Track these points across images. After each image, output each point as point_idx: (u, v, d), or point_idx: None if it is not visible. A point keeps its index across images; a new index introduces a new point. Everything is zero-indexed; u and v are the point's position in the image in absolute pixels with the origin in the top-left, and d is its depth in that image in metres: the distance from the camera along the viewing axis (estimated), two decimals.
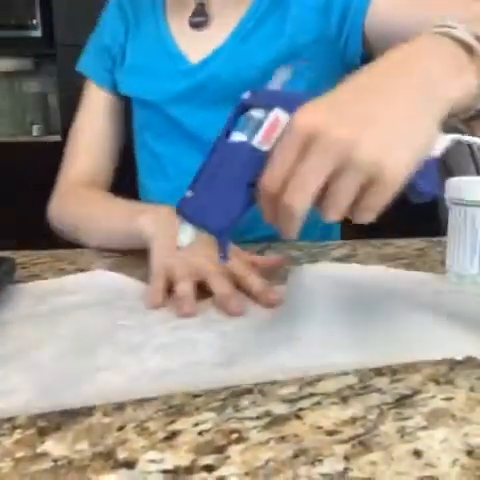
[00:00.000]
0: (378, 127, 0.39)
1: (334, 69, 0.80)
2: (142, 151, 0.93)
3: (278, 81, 0.46)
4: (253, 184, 0.42)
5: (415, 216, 1.29)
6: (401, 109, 0.40)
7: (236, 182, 0.43)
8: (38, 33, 2.77)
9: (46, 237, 0.89)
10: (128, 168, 0.95)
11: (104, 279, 0.64)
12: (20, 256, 0.73)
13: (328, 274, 0.63)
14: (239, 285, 0.58)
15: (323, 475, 0.31)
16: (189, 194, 0.45)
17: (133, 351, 0.45)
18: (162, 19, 0.87)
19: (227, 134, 0.44)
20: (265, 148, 0.42)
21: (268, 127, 0.43)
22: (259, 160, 0.42)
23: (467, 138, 0.45)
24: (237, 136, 0.44)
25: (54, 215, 0.89)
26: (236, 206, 0.44)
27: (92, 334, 0.49)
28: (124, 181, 0.93)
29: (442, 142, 0.43)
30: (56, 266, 0.70)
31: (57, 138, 2.55)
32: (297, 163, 0.39)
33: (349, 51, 0.79)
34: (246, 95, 0.44)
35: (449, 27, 0.44)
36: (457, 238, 0.59)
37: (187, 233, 0.45)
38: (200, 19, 0.84)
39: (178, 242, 0.46)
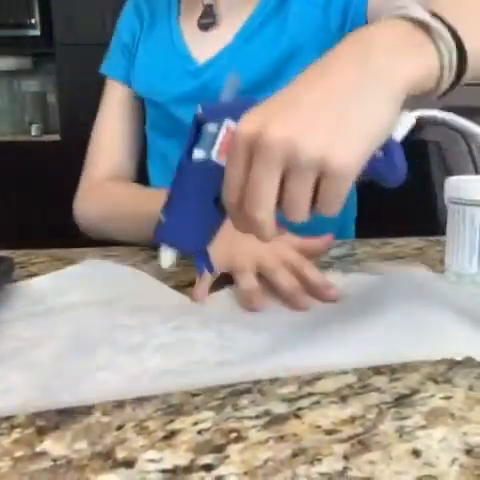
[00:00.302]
0: (317, 120, 0.38)
1: None
2: (152, 152, 0.95)
3: (229, 91, 0.45)
4: (220, 198, 0.43)
5: (414, 215, 1.30)
6: (342, 97, 0.39)
7: (203, 200, 0.44)
8: (37, 32, 2.77)
9: (45, 236, 0.89)
10: (141, 170, 0.96)
11: (100, 271, 0.64)
12: (18, 255, 0.73)
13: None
14: (295, 276, 0.57)
15: (322, 474, 0.31)
16: (162, 218, 0.46)
17: (132, 351, 0.45)
18: (175, 20, 0.89)
19: (189, 152, 0.44)
20: (224, 162, 0.42)
21: (222, 140, 0.43)
22: (220, 175, 0.42)
23: (434, 113, 0.43)
24: (198, 153, 0.44)
25: (79, 212, 0.89)
26: (208, 223, 0.45)
27: (91, 333, 0.49)
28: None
29: (405, 122, 0.41)
30: (54, 265, 0.69)
31: (56, 137, 2.55)
32: (247, 172, 0.39)
33: None
34: (199, 110, 0.44)
35: (405, 8, 0.42)
36: (456, 237, 0.59)
37: (168, 256, 0.46)
38: (208, 20, 0.85)
39: (161, 264, 0.47)
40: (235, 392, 0.39)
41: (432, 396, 0.38)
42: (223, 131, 0.43)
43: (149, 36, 0.91)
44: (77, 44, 2.38)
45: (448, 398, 0.38)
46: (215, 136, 0.43)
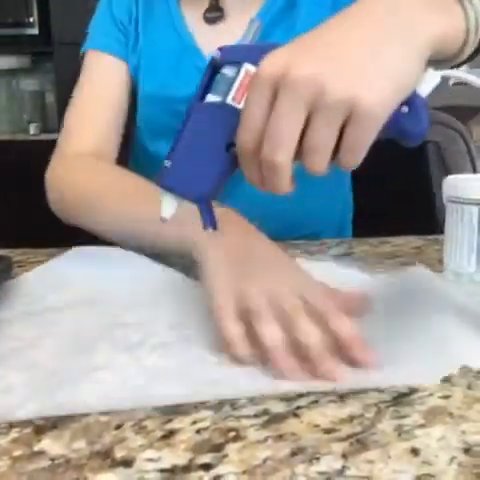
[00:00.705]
0: (346, 59, 0.37)
1: None
2: (138, 152, 0.91)
3: (249, 36, 0.44)
4: (232, 145, 0.41)
5: (412, 214, 1.30)
6: (372, 38, 0.38)
7: (214, 145, 0.42)
8: (35, 31, 2.77)
9: (43, 236, 0.88)
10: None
11: (95, 266, 0.63)
12: (17, 254, 0.73)
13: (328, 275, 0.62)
14: (321, 324, 0.43)
15: (321, 473, 0.31)
16: (167, 164, 0.43)
17: (130, 350, 0.45)
18: (177, 12, 0.86)
19: (201, 97, 0.42)
20: (240, 106, 0.41)
21: (240, 83, 0.41)
22: (235, 119, 0.40)
23: (459, 73, 0.43)
24: (211, 98, 0.42)
25: (52, 185, 0.80)
26: (216, 170, 0.42)
27: (89, 332, 0.49)
28: None
29: (430, 79, 0.41)
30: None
31: (55, 136, 2.53)
32: (268, 113, 0.37)
33: None
34: (216, 54, 0.43)
35: None
36: (454, 236, 0.59)
37: (169, 204, 0.44)
38: (215, 14, 0.83)
39: (161, 213, 0.44)
40: (234, 397, 0.39)
41: (431, 395, 0.38)
42: (242, 74, 0.41)
43: (148, 23, 0.86)
44: (75, 43, 2.36)
45: (447, 397, 0.38)
46: (232, 80, 0.42)
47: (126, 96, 0.87)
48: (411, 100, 0.40)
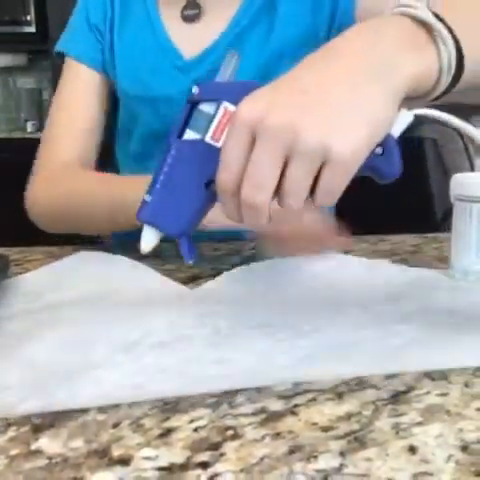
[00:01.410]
0: (320, 107, 0.37)
1: None
2: (123, 155, 0.91)
3: (227, 71, 0.44)
4: (211, 182, 0.41)
5: (410, 212, 1.30)
6: (347, 82, 0.38)
7: (193, 182, 0.43)
8: (32, 29, 2.76)
9: (41, 234, 0.88)
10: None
11: (96, 266, 0.64)
12: (14, 253, 0.73)
13: (329, 270, 0.62)
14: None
15: (318, 471, 0.31)
16: (147, 198, 0.44)
17: (129, 348, 0.45)
18: (154, 11, 0.85)
19: (180, 132, 0.43)
20: (219, 144, 0.41)
21: (219, 122, 0.42)
22: (214, 157, 0.40)
23: (433, 112, 0.43)
24: (190, 134, 0.43)
25: (37, 202, 0.82)
26: (196, 206, 0.43)
27: (88, 330, 0.49)
28: None
29: (403, 119, 0.41)
30: (50, 263, 0.69)
31: None
32: (247, 156, 0.38)
33: None
34: (194, 89, 0.43)
35: (410, 6, 0.42)
36: (462, 234, 0.59)
37: (149, 239, 0.45)
38: (193, 12, 0.82)
39: (141, 246, 0.45)
40: (231, 389, 0.39)
41: (428, 393, 0.38)
42: (220, 113, 0.42)
43: (124, 24, 0.85)
44: None
45: (444, 395, 0.38)
46: (211, 117, 0.42)
47: (102, 104, 0.88)
48: (385, 142, 0.40)
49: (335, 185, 0.39)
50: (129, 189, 0.65)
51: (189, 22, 0.83)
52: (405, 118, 0.41)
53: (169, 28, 0.84)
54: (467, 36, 0.43)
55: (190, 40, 0.82)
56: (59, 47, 0.89)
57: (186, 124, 0.43)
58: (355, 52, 0.40)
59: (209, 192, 0.42)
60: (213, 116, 0.42)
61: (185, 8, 0.83)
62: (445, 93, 0.43)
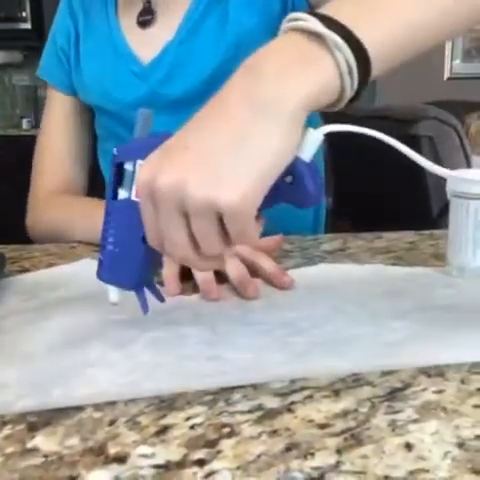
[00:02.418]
0: (202, 162, 0.38)
1: None
2: (106, 157, 0.92)
3: (142, 127, 0.45)
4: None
5: (406, 209, 1.30)
6: (229, 136, 0.38)
7: (132, 238, 0.44)
8: (28, 25, 2.76)
9: None
10: (97, 175, 0.94)
11: (94, 270, 0.64)
12: (10, 250, 0.72)
13: (325, 275, 0.62)
14: (250, 268, 0.57)
15: (315, 469, 0.31)
16: (100, 257, 0.47)
17: (124, 346, 0.45)
18: (114, 20, 0.86)
19: (114, 193, 0.45)
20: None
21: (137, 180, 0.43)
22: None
23: (346, 127, 0.41)
24: (121, 193, 0.45)
25: (35, 229, 0.87)
26: (141, 261, 0.45)
27: (83, 329, 0.49)
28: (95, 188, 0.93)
29: (311, 141, 0.40)
30: (46, 261, 0.69)
31: None
32: (156, 219, 0.40)
33: None
34: (115, 151, 0.45)
35: (298, 19, 0.41)
36: (459, 231, 0.59)
37: (113, 293, 0.47)
38: (146, 17, 0.83)
39: (109, 299, 0.47)
40: (227, 387, 0.39)
41: (424, 390, 0.38)
42: (137, 171, 0.44)
43: (88, 38, 0.87)
44: None
45: (440, 392, 0.38)
46: (132, 175, 0.44)
47: (84, 126, 0.91)
48: (294, 169, 0.40)
49: (239, 230, 0.39)
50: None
51: (144, 28, 0.84)
52: (314, 139, 0.40)
53: (127, 36, 0.85)
54: (373, 24, 0.42)
55: (146, 45, 0.83)
56: (38, 72, 0.93)
57: (118, 184, 0.45)
58: (237, 100, 0.39)
59: (146, 245, 0.44)
60: (133, 173, 0.44)
61: (140, 14, 0.84)
62: (361, 89, 0.42)
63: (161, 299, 0.49)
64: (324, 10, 0.42)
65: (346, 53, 0.40)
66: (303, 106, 0.39)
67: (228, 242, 0.40)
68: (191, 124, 0.41)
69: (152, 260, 0.46)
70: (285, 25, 0.42)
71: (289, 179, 0.40)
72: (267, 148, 0.38)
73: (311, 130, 0.40)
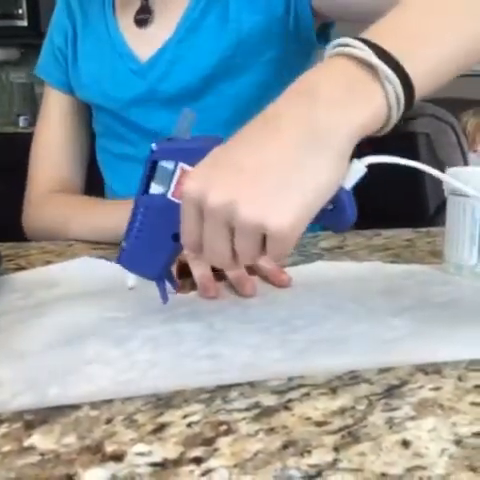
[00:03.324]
0: (256, 186, 0.38)
1: (291, 53, 0.78)
2: (104, 154, 0.92)
3: (183, 126, 0.45)
4: (178, 234, 0.44)
5: (403, 206, 1.30)
6: (283, 160, 0.39)
7: (161, 234, 0.45)
8: (24, 23, 2.75)
9: None
10: (95, 172, 0.94)
11: (92, 267, 0.64)
12: (6, 248, 0.72)
13: (322, 272, 0.62)
14: (248, 266, 0.57)
15: (312, 466, 0.31)
16: (124, 244, 0.47)
17: (121, 343, 0.45)
18: (112, 19, 0.86)
19: (146, 186, 0.45)
20: (179, 201, 0.43)
21: (177, 181, 0.44)
22: (177, 212, 0.42)
23: (385, 159, 0.42)
24: (154, 188, 0.45)
25: (31, 228, 0.87)
26: (166, 255, 0.46)
27: (80, 326, 0.48)
28: (93, 185, 0.93)
29: (354, 171, 0.41)
30: (43, 258, 0.69)
31: None
32: (201, 227, 0.41)
33: (301, 28, 0.77)
34: (154, 146, 0.45)
35: (348, 45, 0.41)
36: (456, 229, 0.59)
37: (131, 278, 0.49)
38: (143, 16, 0.83)
39: (127, 283, 0.49)
40: (225, 384, 0.39)
41: (421, 387, 0.38)
42: (178, 173, 0.44)
43: (86, 37, 0.87)
44: None
45: (437, 389, 0.38)
46: (171, 174, 0.44)
47: (80, 124, 0.91)
48: (336, 197, 0.41)
49: (278, 253, 0.40)
50: (107, 219, 0.71)
51: (141, 26, 0.83)
52: (357, 170, 0.41)
53: (125, 34, 0.85)
54: (416, 55, 0.42)
55: (144, 44, 0.83)
56: (36, 71, 0.93)
57: (150, 178, 0.45)
58: (290, 123, 0.39)
59: (177, 243, 0.44)
60: (173, 172, 0.44)
61: (137, 13, 0.84)
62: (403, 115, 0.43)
63: (166, 299, 0.50)
64: (373, 32, 0.43)
65: (396, 86, 0.40)
66: (354, 138, 0.39)
67: (263, 253, 0.41)
68: (241, 138, 0.41)
69: (174, 255, 0.47)
70: (332, 50, 0.42)
71: (330, 206, 0.41)
72: (318, 181, 0.39)
73: (356, 161, 0.41)
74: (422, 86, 0.42)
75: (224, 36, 0.77)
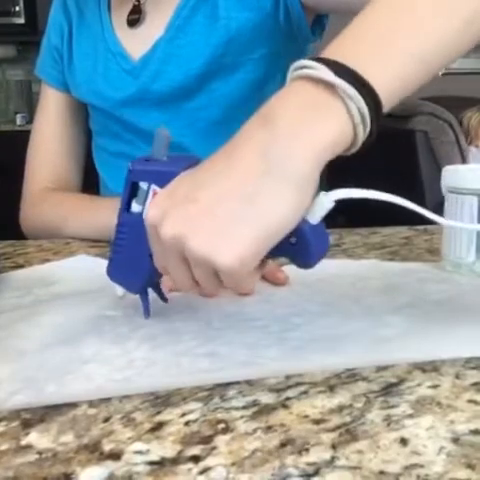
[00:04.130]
0: (207, 219, 0.38)
1: (283, 49, 0.78)
2: (100, 153, 0.92)
3: (159, 148, 0.45)
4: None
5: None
6: (239, 193, 0.37)
7: (139, 251, 0.45)
8: (21, 20, 2.74)
9: None
10: (91, 170, 0.94)
11: (89, 265, 0.64)
12: (4, 246, 0.72)
13: (319, 270, 0.62)
14: None
15: (310, 464, 0.31)
16: (111, 256, 0.48)
17: (119, 342, 0.45)
18: (107, 19, 0.86)
19: (127, 205, 0.46)
20: None
21: (150, 201, 0.44)
22: None
23: (354, 193, 0.40)
24: (135, 207, 0.46)
25: (28, 225, 0.88)
26: (144, 272, 0.47)
27: (77, 325, 0.48)
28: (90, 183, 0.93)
29: (320, 205, 0.39)
30: (40, 256, 0.69)
31: None
32: (162, 254, 0.41)
33: (293, 23, 0.76)
34: (130, 166, 0.46)
35: (306, 67, 0.40)
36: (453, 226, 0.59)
37: (119, 288, 0.50)
38: (134, 17, 0.83)
39: (116, 292, 0.50)
40: (222, 383, 0.39)
41: (419, 385, 0.38)
42: (151, 193, 0.45)
43: (81, 36, 0.87)
44: None
45: (435, 386, 0.38)
46: (146, 194, 0.45)
47: (80, 125, 0.92)
48: (299, 230, 0.39)
49: (234, 286, 0.40)
50: (104, 216, 0.70)
51: (133, 26, 0.84)
52: (324, 203, 0.39)
53: (119, 34, 0.85)
54: (375, 61, 0.40)
55: (137, 43, 0.83)
56: (36, 70, 0.94)
57: (131, 197, 0.46)
58: (251, 152, 0.38)
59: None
60: (147, 192, 0.45)
61: (130, 13, 0.84)
62: (373, 128, 0.40)
63: (165, 300, 0.51)
64: (333, 48, 0.41)
65: (358, 102, 0.38)
66: (317, 164, 0.38)
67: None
68: (204, 167, 0.40)
69: (156, 273, 0.46)
70: (293, 73, 0.41)
71: (293, 240, 0.40)
72: (275, 212, 0.37)
73: (322, 195, 0.40)
74: (391, 92, 0.41)
75: (214, 34, 0.77)
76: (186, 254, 0.39)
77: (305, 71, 0.40)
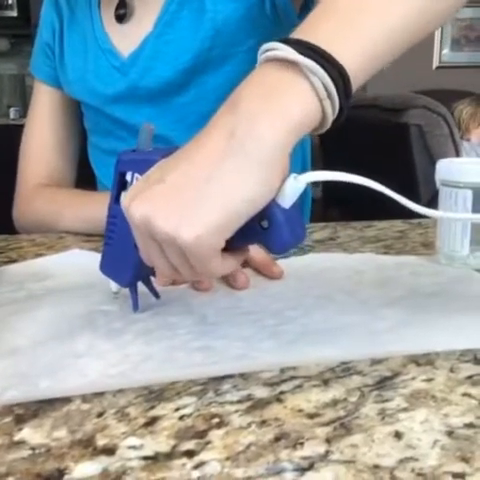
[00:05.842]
0: (172, 197, 0.38)
1: (271, 39, 0.77)
2: (94, 150, 0.92)
3: (143, 141, 0.46)
4: None
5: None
6: (204, 172, 0.38)
7: (126, 243, 0.45)
8: (14, 13, 2.72)
9: None
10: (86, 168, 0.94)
11: (83, 260, 0.63)
12: None
13: (314, 264, 0.62)
14: None
15: (304, 458, 0.30)
16: (103, 249, 0.48)
17: (113, 337, 0.45)
18: (97, 15, 0.86)
19: (117, 197, 0.47)
20: None
21: None
22: None
23: (326, 175, 0.40)
24: (123, 197, 0.45)
25: (21, 221, 0.87)
26: (132, 264, 0.47)
27: (71, 319, 0.48)
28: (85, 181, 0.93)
29: (292, 188, 0.39)
30: (34, 251, 0.69)
31: None
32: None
33: (280, 12, 0.76)
34: (119, 157, 0.46)
35: (272, 49, 0.40)
36: (448, 220, 0.59)
37: (114, 283, 0.50)
38: (121, 11, 0.83)
39: (111, 288, 0.50)
40: (217, 377, 0.39)
41: (413, 378, 0.38)
42: (134, 182, 0.45)
43: (72, 33, 0.87)
44: None
45: (430, 380, 0.38)
46: (131, 183, 0.45)
47: (72, 125, 0.92)
48: (271, 214, 0.39)
49: (200, 266, 0.40)
50: (97, 210, 0.68)
51: (121, 22, 0.83)
52: (295, 187, 0.39)
53: (108, 30, 0.84)
54: (349, 42, 0.41)
55: (126, 39, 0.83)
56: (30, 68, 0.93)
57: (120, 188, 0.47)
58: (218, 136, 0.39)
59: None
60: (132, 182, 0.46)
61: (117, 8, 0.83)
62: (344, 107, 0.40)
63: (156, 295, 0.51)
64: (300, 29, 0.42)
65: (322, 77, 0.38)
66: (282, 143, 0.38)
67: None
68: (177, 154, 0.41)
69: (145, 266, 0.46)
70: (261, 56, 0.41)
71: (265, 224, 0.39)
72: (238, 191, 0.37)
73: (292, 177, 0.39)
74: (358, 69, 0.41)
75: (201, 28, 0.76)
76: (154, 234, 0.39)
77: (270, 53, 0.40)
